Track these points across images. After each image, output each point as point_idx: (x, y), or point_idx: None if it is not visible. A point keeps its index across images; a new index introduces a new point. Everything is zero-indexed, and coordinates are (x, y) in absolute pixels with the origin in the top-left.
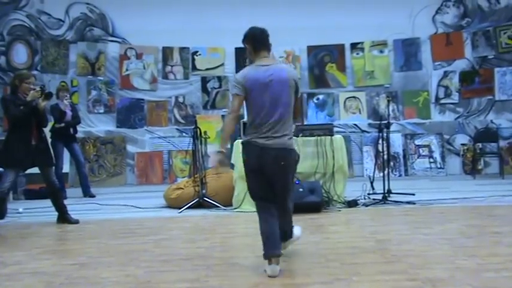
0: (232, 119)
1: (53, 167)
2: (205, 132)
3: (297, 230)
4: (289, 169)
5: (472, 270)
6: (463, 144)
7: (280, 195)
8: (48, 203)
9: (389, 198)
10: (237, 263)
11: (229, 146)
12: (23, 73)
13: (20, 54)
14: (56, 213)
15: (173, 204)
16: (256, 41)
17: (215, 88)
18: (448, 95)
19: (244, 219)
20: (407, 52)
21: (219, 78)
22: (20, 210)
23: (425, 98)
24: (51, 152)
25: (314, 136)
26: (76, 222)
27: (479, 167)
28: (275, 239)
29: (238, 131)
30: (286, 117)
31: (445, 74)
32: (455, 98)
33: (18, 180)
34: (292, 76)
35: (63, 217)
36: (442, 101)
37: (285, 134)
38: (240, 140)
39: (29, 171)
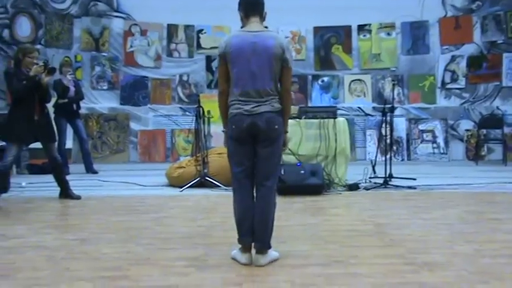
0: (222, 95)
1: (55, 143)
2: (208, 112)
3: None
4: (280, 135)
5: (469, 255)
6: (467, 130)
7: (265, 171)
8: (51, 178)
9: (390, 183)
10: (236, 243)
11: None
12: (26, 47)
13: (24, 28)
14: (58, 188)
15: (175, 182)
16: (247, 6)
17: None
18: (454, 79)
19: None
20: (415, 35)
21: None
22: (23, 184)
23: (431, 83)
24: (54, 128)
25: (317, 118)
26: (78, 197)
27: (483, 153)
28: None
29: None
30: (269, 86)
31: (453, 59)
32: (461, 83)
33: (22, 155)
34: (280, 43)
35: (65, 193)
36: (448, 86)
37: (270, 101)
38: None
39: (32, 146)
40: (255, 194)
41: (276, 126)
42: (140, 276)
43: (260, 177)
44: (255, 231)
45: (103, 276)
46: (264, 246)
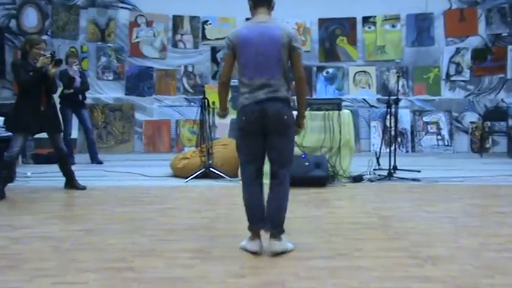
0: (222, 85)
1: (61, 133)
2: (213, 103)
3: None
4: (290, 126)
5: (473, 249)
6: (471, 122)
7: (278, 160)
8: (56, 168)
9: (394, 175)
10: (240, 234)
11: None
12: (33, 38)
13: (31, 18)
14: (64, 178)
15: (179, 173)
16: None
17: None
18: (459, 72)
19: None
20: (420, 27)
21: None
22: (29, 174)
23: (436, 75)
24: (60, 118)
25: (322, 110)
26: (83, 188)
27: (487, 146)
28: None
29: None
30: (277, 75)
31: (457, 51)
32: (466, 75)
33: (27, 145)
34: (287, 33)
35: (71, 183)
36: (453, 78)
37: (279, 90)
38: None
39: (37, 136)
40: (268, 182)
41: (285, 117)
42: (145, 267)
43: (274, 166)
44: (269, 217)
45: (108, 268)
46: (278, 231)
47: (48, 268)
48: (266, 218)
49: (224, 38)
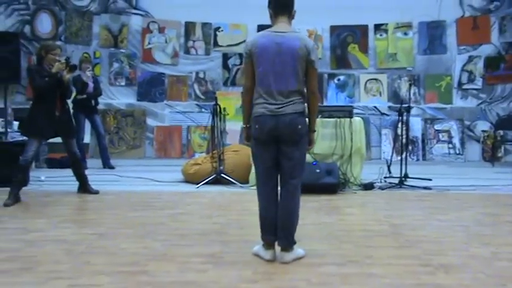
0: (247, 91)
1: (75, 138)
2: (224, 109)
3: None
4: (303, 134)
5: (485, 258)
6: (483, 131)
7: (290, 169)
8: (69, 172)
9: (405, 183)
10: (251, 240)
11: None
12: (49, 44)
13: (45, 24)
14: (77, 182)
15: (191, 179)
16: (277, 5)
17: (236, 65)
18: (471, 80)
19: None
20: (432, 35)
21: (240, 55)
22: (42, 178)
23: (447, 83)
24: (74, 123)
25: (333, 118)
26: (96, 192)
27: (499, 155)
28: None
29: None
30: (293, 86)
31: (470, 59)
32: (478, 83)
33: (41, 149)
34: (306, 45)
35: (84, 187)
36: (465, 87)
37: (294, 101)
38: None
39: (51, 140)
40: (279, 193)
41: (299, 126)
42: (158, 271)
43: (285, 175)
44: (279, 229)
45: (122, 271)
46: (288, 244)
47: (63, 270)
48: (277, 228)
49: (235, 44)
